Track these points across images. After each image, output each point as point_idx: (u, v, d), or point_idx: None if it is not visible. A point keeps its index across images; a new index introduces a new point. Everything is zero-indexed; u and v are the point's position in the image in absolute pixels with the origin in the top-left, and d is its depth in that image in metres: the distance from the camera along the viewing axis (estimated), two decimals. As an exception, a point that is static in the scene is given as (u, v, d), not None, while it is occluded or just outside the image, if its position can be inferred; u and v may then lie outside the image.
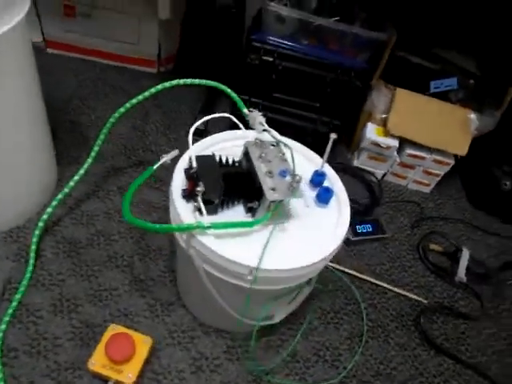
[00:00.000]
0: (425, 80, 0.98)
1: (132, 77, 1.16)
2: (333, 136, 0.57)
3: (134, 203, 0.87)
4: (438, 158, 1.00)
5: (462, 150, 0.98)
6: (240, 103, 0.69)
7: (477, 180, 1.08)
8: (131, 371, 0.61)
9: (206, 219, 0.55)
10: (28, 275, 0.72)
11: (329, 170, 0.65)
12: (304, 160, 0.67)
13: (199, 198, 0.53)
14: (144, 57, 1.16)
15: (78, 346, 0.66)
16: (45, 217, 0.76)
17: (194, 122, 1.04)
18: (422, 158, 1.00)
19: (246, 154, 0.58)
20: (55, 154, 0.87)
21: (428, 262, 0.91)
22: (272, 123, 0.98)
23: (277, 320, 0.68)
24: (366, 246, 0.92)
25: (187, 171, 0.54)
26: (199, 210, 0.54)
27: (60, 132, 0.95)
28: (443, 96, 0.99)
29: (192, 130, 0.60)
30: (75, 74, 1.13)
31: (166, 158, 0.65)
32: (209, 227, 0.52)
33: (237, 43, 1.12)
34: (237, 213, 0.58)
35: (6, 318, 0.66)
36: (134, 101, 0.72)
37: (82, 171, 0.79)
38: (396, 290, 0.85)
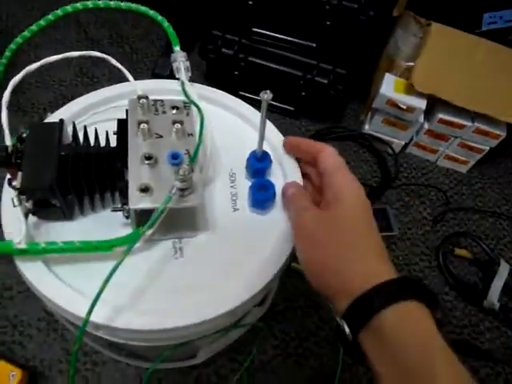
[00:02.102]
0: (475, 11, 0.67)
1: None
2: (266, 97, 0.32)
3: None
4: (484, 127, 0.71)
5: (520, 117, 0.68)
6: (173, 38, 0.44)
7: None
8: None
9: (43, 230, 0.34)
10: None
11: (277, 153, 0.41)
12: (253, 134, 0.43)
13: (17, 197, 0.31)
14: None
15: None
16: None
17: (155, 68, 0.80)
18: (460, 127, 0.72)
19: (124, 121, 0.35)
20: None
21: (449, 274, 0.66)
22: (253, 71, 0.73)
23: (199, 361, 0.48)
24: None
25: (5, 151, 0.32)
26: (27, 213, 0.32)
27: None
28: (501, 36, 0.69)
29: (12, 82, 0.36)
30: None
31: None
32: (22, 251, 0.30)
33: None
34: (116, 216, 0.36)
35: None
36: (42, 22, 0.48)
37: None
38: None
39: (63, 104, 0.45)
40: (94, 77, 0.81)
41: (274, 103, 0.78)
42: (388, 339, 0.27)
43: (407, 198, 0.74)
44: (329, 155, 0.36)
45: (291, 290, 0.61)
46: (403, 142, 0.78)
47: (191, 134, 0.35)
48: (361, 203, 0.33)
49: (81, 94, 0.42)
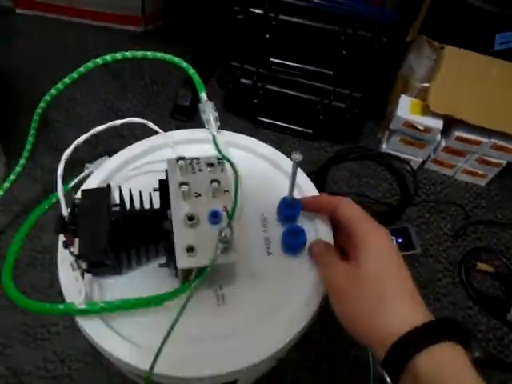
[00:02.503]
0: (487, 32, 0.68)
1: (112, 38, 0.96)
2: (297, 157, 0.35)
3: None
4: (500, 142, 0.72)
5: (536, 132, 0.70)
6: (199, 85, 0.47)
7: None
8: None
9: (96, 286, 0.37)
10: None
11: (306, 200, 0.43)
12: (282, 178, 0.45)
13: (75, 262, 0.34)
14: (126, 12, 0.95)
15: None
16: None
17: (176, 99, 0.84)
18: (477, 143, 0.73)
19: (165, 182, 0.38)
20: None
21: (472, 289, 0.67)
22: (271, 98, 0.75)
23: (239, 389, 0.51)
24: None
25: (61, 218, 0.35)
26: (83, 273, 0.35)
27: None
28: (513, 55, 0.70)
29: (64, 157, 0.39)
30: (44, 37, 0.95)
31: (89, 170, 0.47)
32: (83, 311, 0.34)
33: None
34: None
35: None
36: (74, 75, 0.51)
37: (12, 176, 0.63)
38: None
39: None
40: (118, 110, 0.84)
41: (293, 127, 0.81)
42: (423, 383, 0.29)
43: (428, 214, 0.76)
44: (350, 205, 0.37)
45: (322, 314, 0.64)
46: (421, 160, 0.79)
47: (227, 191, 0.38)
48: (387, 250, 0.34)
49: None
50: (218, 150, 0.41)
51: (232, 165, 0.39)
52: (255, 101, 0.78)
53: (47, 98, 0.51)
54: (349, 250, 0.37)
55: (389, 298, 0.32)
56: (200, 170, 0.39)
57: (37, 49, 0.93)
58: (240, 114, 0.83)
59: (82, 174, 0.50)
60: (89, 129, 0.81)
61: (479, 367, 0.29)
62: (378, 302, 0.32)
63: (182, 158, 0.38)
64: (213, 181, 0.37)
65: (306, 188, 0.44)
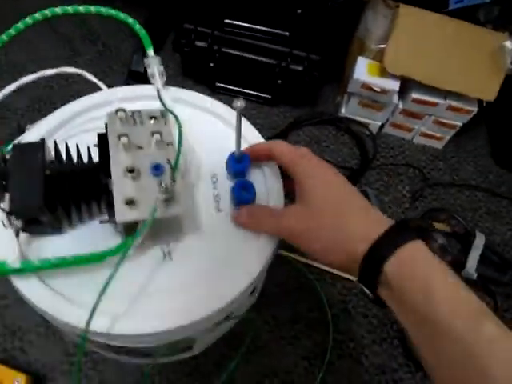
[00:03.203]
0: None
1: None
2: (238, 105, 0.33)
3: None
4: (455, 104, 0.73)
5: (490, 93, 0.70)
6: (146, 41, 0.45)
7: (508, 133, 0.80)
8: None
9: (34, 246, 0.35)
10: None
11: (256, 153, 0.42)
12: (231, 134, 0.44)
13: (6, 218, 0.32)
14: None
15: None
16: None
17: (130, 65, 0.80)
18: (433, 105, 0.74)
19: (104, 136, 0.36)
20: None
21: (428, 247, 0.69)
22: (228, 61, 0.73)
23: (196, 352, 0.50)
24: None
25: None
26: (18, 231, 0.33)
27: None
28: (468, 15, 0.70)
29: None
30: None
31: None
32: (17, 270, 0.32)
33: None
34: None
35: None
36: (12, 31, 0.47)
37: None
38: (380, 288, 0.64)
39: (39, 108, 0.44)
40: (69, 77, 0.80)
41: (252, 92, 0.79)
42: (396, 289, 0.29)
43: (386, 177, 0.77)
44: (282, 147, 0.37)
45: (280, 276, 0.64)
46: (379, 123, 0.80)
47: (170, 143, 0.36)
48: (326, 172, 0.35)
49: (57, 98, 0.42)
50: (161, 102, 0.40)
51: (175, 116, 0.38)
52: (211, 64, 0.75)
53: None
54: (296, 192, 0.36)
55: (347, 217, 0.33)
56: (142, 123, 0.37)
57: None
58: (197, 80, 0.81)
59: (20, 137, 0.47)
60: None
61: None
62: (338, 225, 0.32)
63: (122, 110, 0.36)
64: (154, 132, 0.36)
65: (254, 139, 0.42)
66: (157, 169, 0.34)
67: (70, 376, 0.54)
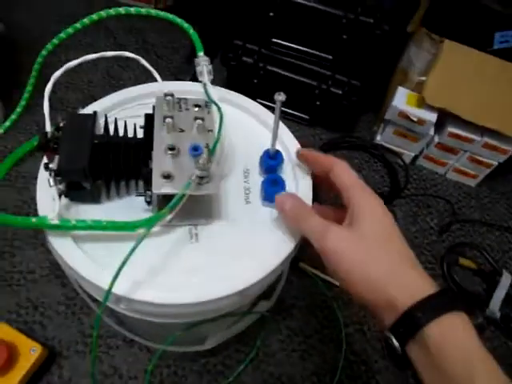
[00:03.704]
0: (487, 29, 0.70)
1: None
2: (280, 98, 0.35)
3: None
4: (492, 142, 0.73)
5: (528, 133, 0.70)
6: (198, 44, 0.48)
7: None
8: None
9: (73, 211, 0.38)
10: None
11: (289, 154, 0.44)
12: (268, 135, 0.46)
13: (53, 178, 0.35)
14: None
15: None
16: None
17: (177, 74, 0.85)
18: (470, 141, 0.74)
19: (150, 116, 0.39)
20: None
21: (452, 282, 0.67)
22: (271, 79, 0.77)
23: (208, 347, 0.51)
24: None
25: (44, 137, 0.36)
26: (60, 194, 0.36)
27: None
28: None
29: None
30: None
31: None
32: (55, 226, 0.34)
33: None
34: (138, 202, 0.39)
35: None
36: (70, 30, 0.52)
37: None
38: (398, 315, 0.63)
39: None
40: (120, 79, 0.85)
41: (290, 111, 0.82)
42: (433, 352, 0.29)
43: (415, 208, 0.76)
44: (344, 169, 0.36)
45: (298, 289, 0.64)
46: (413, 154, 0.80)
47: (211, 131, 0.38)
48: (382, 215, 0.34)
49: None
50: (206, 93, 0.42)
51: (217, 106, 0.40)
52: (255, 81, 0.79)
53: (44, 52, 0.51)
54: (340, 215, 0.36)
55: (396, 261, 0.32)
56: (187, 109, 0.40)
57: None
58: (240, 94, 0.84)
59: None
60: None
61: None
62: (384, 264, 0.32)
63: (171, 95, 0.39)
64: (197, 118, 0.38)
65: (289, 142, 0.44)
66: (195, 149, 0.36)
67: (83, 356, 0.55)
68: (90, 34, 0.92)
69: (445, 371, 0.29)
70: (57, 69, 0.42)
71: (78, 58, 0.44)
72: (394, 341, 0.31)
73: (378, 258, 0.32)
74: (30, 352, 0.50)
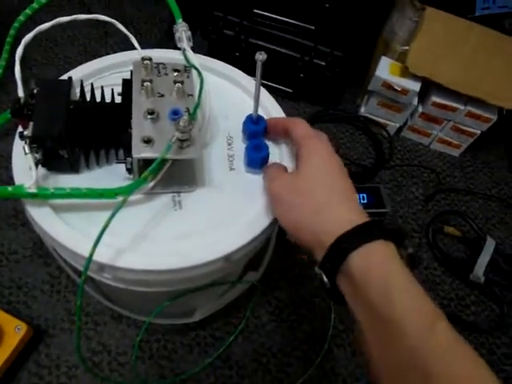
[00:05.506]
0: (469, -4, 0.69)
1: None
2: (261, 57, 0.35)
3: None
4: (475, 111, 0.73)
5: (511, 101, 0.70)
6: (176, 11, 0.47)
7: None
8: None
9: (51, 181, 0.36)
10: None
11: (271, 117, 0.43)
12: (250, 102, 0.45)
13: (28, 146, 0.34)
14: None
15: None
16: None
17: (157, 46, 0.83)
18: (453, 110, 0.74)
19: (128, 81, 0.38)
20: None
21: (437, 250, 0.68)
22: (253, 51, 0.75)
23: (196, 318, 0.50)
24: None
25: (17, 102, 0.34)
26: (37, 163, 0.35)
27: None
28: (494, 22, 0.71)
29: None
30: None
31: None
32: (33, 195, 0.33)
33: None
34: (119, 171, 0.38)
35: None
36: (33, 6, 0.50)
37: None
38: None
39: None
40: (98, 56, 0.83)
41: (274, 85, 0.80)
42: (357, 282, 0.29)
43: (400, 178, 0.77)
44: (297, 123, 0.38)
45: (286, 262, 0.64)
46: (398, 125, 0.80)
47: (191, 95, 0.38)
48: (327, 158, 0.35)
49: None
50: (186, 58, 0.41)
51: (197, 70, 0.39)
52: (237, 54, 0.77)
53: (16, 24, 0.49)
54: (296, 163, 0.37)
55: (328, 203, 0.33)
56: (166, 74, 0.38)
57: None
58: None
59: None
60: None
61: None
62: (317, 208, 0.32)
63: (149, 59, 0.38)
64: (177, 82, 0.37)
65: (272, 108, 0.44)
66: (175, 113, 0.35)
67: (69, 333, 0.54)
68: (67, 9, 0.89)
69: (368, 299, 0.28)
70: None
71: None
72: (324, 276, 0.31)
73: (312, 198, 0.33)
74: (14, 330, 0.49)
